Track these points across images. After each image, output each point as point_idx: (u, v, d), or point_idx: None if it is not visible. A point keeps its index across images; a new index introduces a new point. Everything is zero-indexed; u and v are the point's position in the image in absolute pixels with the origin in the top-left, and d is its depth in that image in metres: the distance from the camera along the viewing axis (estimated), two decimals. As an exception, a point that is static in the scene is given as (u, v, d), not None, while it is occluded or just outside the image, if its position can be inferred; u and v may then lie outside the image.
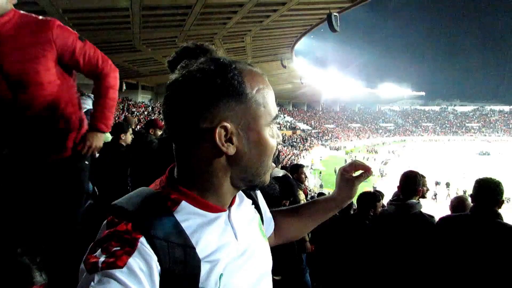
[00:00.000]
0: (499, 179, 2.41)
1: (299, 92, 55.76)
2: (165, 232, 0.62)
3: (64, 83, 1.78)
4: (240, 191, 0.84)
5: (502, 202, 2.36)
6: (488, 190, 2.36)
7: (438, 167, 43.13)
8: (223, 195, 0.73)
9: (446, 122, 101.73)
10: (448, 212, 3.26)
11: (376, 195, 3.39)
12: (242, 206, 0.84)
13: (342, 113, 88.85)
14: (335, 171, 36.57)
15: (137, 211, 0.63)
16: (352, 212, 4.03)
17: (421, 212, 2.86)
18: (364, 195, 3.44)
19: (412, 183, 2.88)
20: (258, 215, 0.90)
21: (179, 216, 0.67)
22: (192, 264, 0.63)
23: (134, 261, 0.57)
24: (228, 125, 0.66)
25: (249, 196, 0.91)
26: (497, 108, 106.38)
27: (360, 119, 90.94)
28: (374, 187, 30.30)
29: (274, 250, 0.93)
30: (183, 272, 0.62)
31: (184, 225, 0.66)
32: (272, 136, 0.73)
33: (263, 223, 0.92)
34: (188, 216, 0.68)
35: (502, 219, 2.35)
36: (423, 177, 3.03)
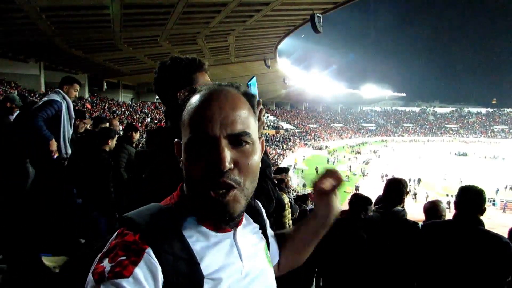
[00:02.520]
0: (481, 187, 2.47)
1: (283, 92, 55.98)
2: (171, 246, 0.64)
3: None
4: (247, 215, 0.85)
5: (485, 209, 2.43)
6: (471, 197, 2.42)
7: (417, 167, 44.10)
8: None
9: (426, 123, 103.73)
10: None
11: (368, 199, 3.38)
12: (249, 229, 0.84)
13: (325, 113, 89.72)
14: (316, 170, 37.07)
15: (145, 223, 0.65)
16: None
17: (406, 219, 2.90)
18: (356, 198, 3.43)
19: (397, 191, 2.92)
20: (264, 241, 0.89)
21: (186, 232, 0.68)
22: (195, 280, 0.64)
23: (140, 271, 0.58)
24: (177, 140, 0.72)
25: (256, 221, 0.90)
26: (474, 110, 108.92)
27: (342, 119, 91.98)
28: (356, 186, 30.79)
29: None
30: (186, 286, 0.63)
31: (190, 241, 0.67)
32: (197, 156, 0.66)
33: (269, 249, 0.92)
34: (194, 233, 0.70)
35: (484, 226, 2.41)
36: (406, 183, 3.06)
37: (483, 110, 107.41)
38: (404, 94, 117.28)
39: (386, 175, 33.06)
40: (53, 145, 3.56)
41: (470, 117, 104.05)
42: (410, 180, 34.22)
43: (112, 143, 4.17)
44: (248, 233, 0.82)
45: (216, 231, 0.72)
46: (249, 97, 0.74)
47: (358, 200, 3.36)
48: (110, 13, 13.44)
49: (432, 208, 3.32)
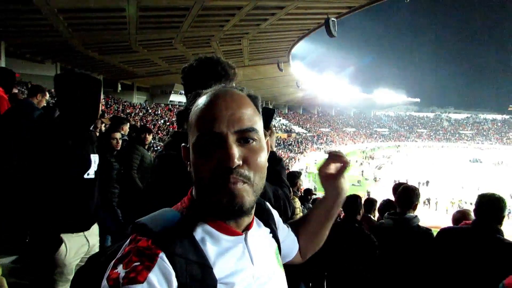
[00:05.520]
0: (501, 195, 2.42)
1: (295, 96, 55.97)
2: (184, 250, 0.64)
3: None
4: (258, 219, 0.85)
5: (503, 217, 2.38)
6: (490, 206, 2.37)
7: (430, 172, 43.37)
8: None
9: (440, 129, 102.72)
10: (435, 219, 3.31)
11: (357, 197, 3.39)
12: (260, 233, 0.83)
13: (337, 117, 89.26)
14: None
15: (158, 228, 0.65)
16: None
17: (419, 225, 2.90)
18: (347, 200, 3.41)
19: (409, 198, 2.94)
20: (275, 244, 0.89)
21: (198, 236, 0.68)
22: (209, 284, 0.64)
23: (154, 276, 0.58)
24: (184, 144, 0.74)
25: (267, 224, 0.89)
26: (490, 116, 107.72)
27: (355, 123, 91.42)
28: (368, 192, 30.46)
29: None
30: None
31: (202, 245, 0.67)
32: (206, 155, 0.66)
33: (280, 253, 0.91)
34: (206, 236, 0.69)
35: (503, 235, 2.35)
36: (418, 190, 3.07)
37: (499, 117, 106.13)
38: (418, 100, 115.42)
39: (399, 181, 32.68)
40: None
41: (485, 124, 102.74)
42: (419, 183, 34.48)
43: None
44: (259, 236, 0.81)
45: (228, 234, 0.72)
46: (253, 98, 0.75)
47: (350, 201, 3.38)
48: (126, 15, 13.61)
49: (461, 219, 3.26)
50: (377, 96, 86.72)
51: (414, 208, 2.96)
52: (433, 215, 21.60)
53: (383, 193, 25.18)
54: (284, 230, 1.01)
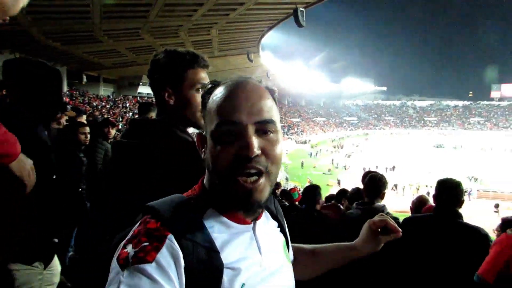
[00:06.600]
0: (458, 180, 2.49)
1: (266, 86, 55.81)
2: (192, 234, 0.66)
3: None
4: (266, 212, 0.87)
5: (463, 201, 2.47)
6: (449, 192, 2.44)
7: (397, 159, 44.94)
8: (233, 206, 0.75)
9: (406, 116, 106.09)
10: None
11: (317, 187, 3.45)
12: (268, 225, 0.85)
13: (307, 107, 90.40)
14: (301, 165, 37.35)
15: (168, 212, 0.67)
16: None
17: (388, 213, 2.87)
18: (307, 189, 3.50)
19: (377, 187, 2.95)
20: (283, 238, 0.90)
21: (207, 222, 0.70)
22: (215, 267, 0.65)
23: (162, 256, 0.61)
24: (200, 132, 0.73)
25: (275, 218, 0.91)
26: (452, 103, 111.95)
27: (325, 113, 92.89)
28: (338, 180, 31.18)
29: None
30: (206, 272, 0.64)
31: (211, 231, 0.69)
32: (225, 143, 0.68)
33: (288, 248, 0.92)
34: (215, 223, 0.71)
35: (463, 219, 2.45)
36: (385, 178, 3.09)
37: (460, 103, 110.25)
38: (385, 88, 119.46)
39: (369, 169, 33.69)
40: None
41: (448, 110, 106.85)
42: (386, 169, 36.08)
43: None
44: (267, 228, 0.83)
45: (237, 223, 0.74)
46: (271, 91, 0.77)
47: (309, 191, 3.43)
48: (89, 3, 13.09)
49: (420, 205, 3.38)
50: (345, 86, 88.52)
51: (382, 196, 2.97)
52: (401, 200, 22.41)
53: (353, 180, 25.90)
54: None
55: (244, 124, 0.67)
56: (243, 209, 0.73)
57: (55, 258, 1.84)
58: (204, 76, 1.33)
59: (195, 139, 0.75)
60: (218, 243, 0.68)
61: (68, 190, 2.09)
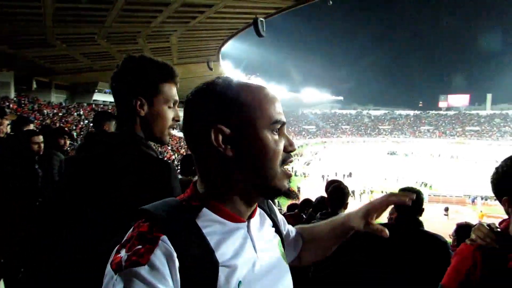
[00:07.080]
0: (419, 188, 2.60)
1: (226, 95, 55.74)
2: (186, 234, 0.66)
3: None
4: (261, 211, 0.89)
5: (423, 210, 2.57)
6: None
7: (354, 166, 46.63)
8: (238, 202, 0.76)
9: (362, 125, 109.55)
10: None
11: (310, 201, 3.50)
12: (263, 223, 0.88)
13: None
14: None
15: (160, 214, 0.68)
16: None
17: None
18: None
19: (340, 197, 3.01)
20: (278, 237, 0.91)
21: (200, 222, 0.70)
22: (210, 266, 0.66)
23: (156, 258, 0.61)
24: (222, 127, 0.71)
25: (269, 217, 0.93)
26: (404, 112, 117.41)
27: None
28: (298, 187, 31.68)
29: None
30: (202, 271, 0.65)
31: (204, 230, 0.69)
32: (276, 140, 0.74)
33: (284, 246, 0.93)
34: (208, 222, 0.72)
35: (423, 227, 2.55)
36: (347, 188, 3.16)
37: (411, 113, 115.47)
38: (342, 98, 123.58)
39: (328, 176, 34.57)
40: None
41: (400, 119, 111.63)
42: (343, 176, 37.46)
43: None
44: (262, 226, 0.86)
45: (231, 221, 0.75)
46: None
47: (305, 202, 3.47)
48: (41, 5, 12.47)
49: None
50: (304, 95, 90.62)
51: (345, 207, 3.02)
52: (358, 206, 23.16)
53: (312, 188, 26.48)
54: (285, 225, 1.04)
55: (285, 124, 0.77)
56: (285, 195, 0.77)
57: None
58: (175, 93, 1.29)
59: (213, 132, 0.71)
60: (212, 241, 0.69)
61: (24, 204, 1.97)
